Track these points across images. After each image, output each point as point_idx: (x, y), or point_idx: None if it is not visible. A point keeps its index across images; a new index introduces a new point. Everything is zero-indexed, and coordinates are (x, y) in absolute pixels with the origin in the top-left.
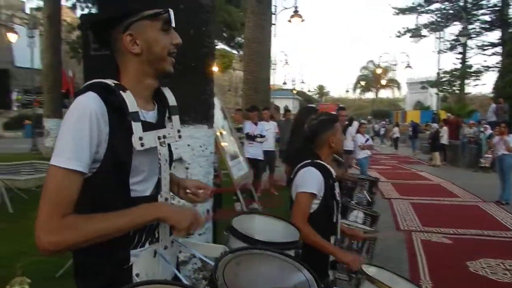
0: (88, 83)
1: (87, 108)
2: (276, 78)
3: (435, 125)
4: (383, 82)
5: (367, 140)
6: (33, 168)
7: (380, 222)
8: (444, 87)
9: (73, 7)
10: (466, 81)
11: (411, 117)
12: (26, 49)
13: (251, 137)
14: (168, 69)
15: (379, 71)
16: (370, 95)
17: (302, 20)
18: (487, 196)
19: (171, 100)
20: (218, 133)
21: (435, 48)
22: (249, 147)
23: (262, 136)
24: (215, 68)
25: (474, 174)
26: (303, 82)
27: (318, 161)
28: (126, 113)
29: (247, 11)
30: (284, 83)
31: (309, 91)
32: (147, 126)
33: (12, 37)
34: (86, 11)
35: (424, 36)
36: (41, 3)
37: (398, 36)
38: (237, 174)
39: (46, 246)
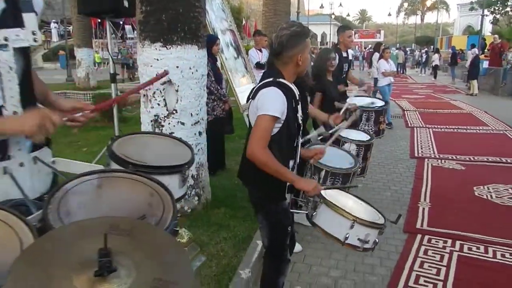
0: None
1: None
2: (313, 2)
3: (474, 51)
4: (429, 3)
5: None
6: (65, 98)
7: (395, 149)
8: (495, 7)
9: None
10: None
11: (456, 43)
12: None
13: (261, 66)
14: None
15: None
16: (415, 19)
17: None
18: None
19: None
20: (229, 73)
21: None
22: (259, 75)
23: None
24: None
25: None
26: (341, 5)
27: (281, 80)
28: None
29: None
30: (321, 7)
31: (348, 15)
32: None
33: None
34: None
35: None
36: None
37: None
38: (244, 100)
39: None
